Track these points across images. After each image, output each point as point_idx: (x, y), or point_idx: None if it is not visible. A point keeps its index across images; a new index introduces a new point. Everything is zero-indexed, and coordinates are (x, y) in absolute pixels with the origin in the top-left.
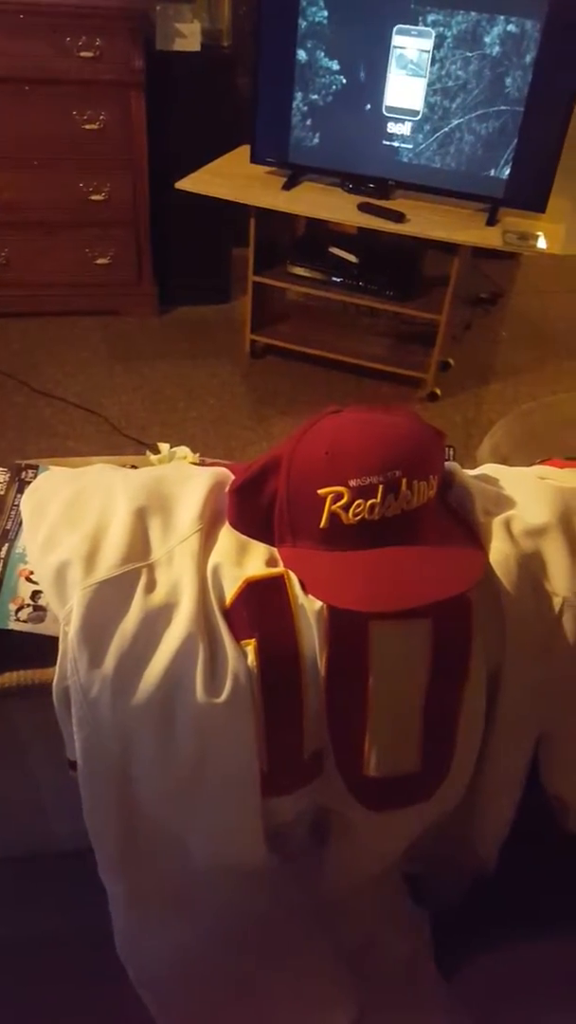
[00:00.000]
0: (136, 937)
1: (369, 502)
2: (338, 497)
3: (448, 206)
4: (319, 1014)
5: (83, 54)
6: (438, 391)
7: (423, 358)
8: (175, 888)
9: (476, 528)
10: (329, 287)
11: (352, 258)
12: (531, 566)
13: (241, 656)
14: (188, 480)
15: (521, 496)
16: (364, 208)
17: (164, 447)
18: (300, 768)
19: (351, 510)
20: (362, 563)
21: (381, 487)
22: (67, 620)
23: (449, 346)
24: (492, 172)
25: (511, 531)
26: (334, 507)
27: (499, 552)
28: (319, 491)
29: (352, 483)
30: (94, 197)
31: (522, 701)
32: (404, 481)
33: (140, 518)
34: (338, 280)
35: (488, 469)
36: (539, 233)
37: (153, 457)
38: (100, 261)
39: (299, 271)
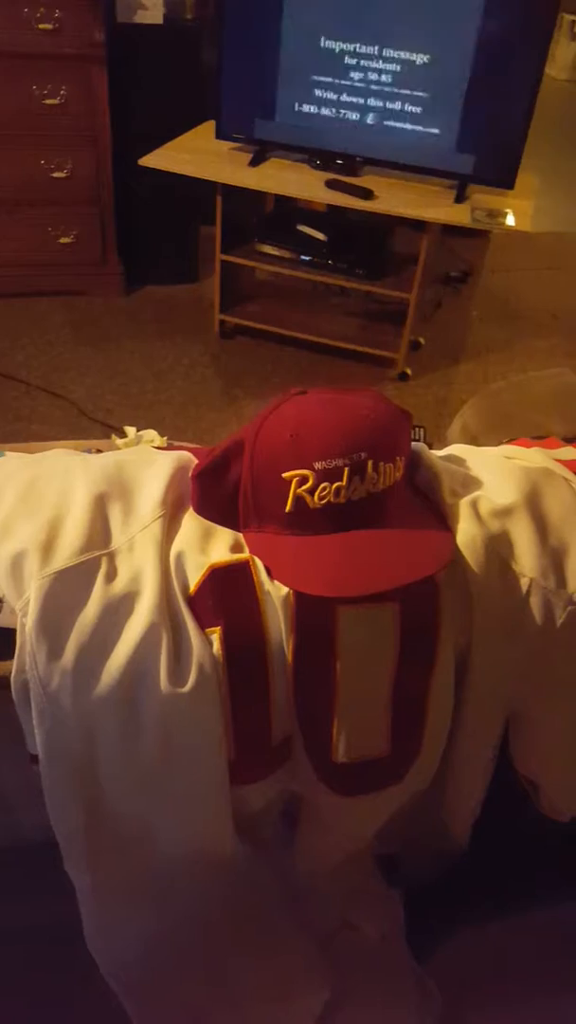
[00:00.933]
0: (105, 929)
1: (335, 485)
2: (303, 480)
3: (417, 183)
4: (292, 999)
5: (42, 26)
6: (408, 371)
7: (394, 337)
8: (143, 879)
9: (443, 510)
10: (298, 266)
11: (320, 236)
12: (498, 547)
13: (206, 645)
14: (150, 465)
15: (488, 476)
16: (332, 185)
17: (131, 431)
18: (268, 756)
19: (316, 494)
20: (328, 547)
21: (347, 470)
22: (24, 611)
23: (419, 325)
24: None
25: (478, 512)
26: (299, 491)
27: (466, 533)
28: (284, 474)
29: (317, 466)
30: (56, 174)
31: (490, 682)
32: (370, 463)
33: (100, 505)
34: (307, 258)
35: (455, 449)
36: (508, 210)
37: (119, 441)
38: (63, 240)
39: (267, 249)
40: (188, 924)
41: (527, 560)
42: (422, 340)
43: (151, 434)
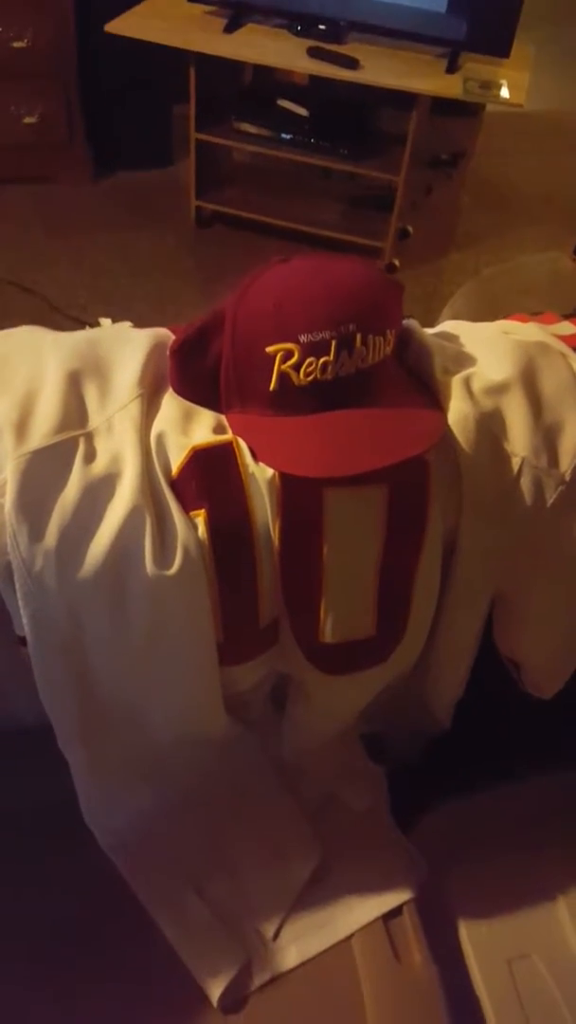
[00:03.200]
0: (100, 805)
1: (321, 360)
2: (288, 355)
3: (405, 52)
4: (283, 865)
5: None
6: (396, 262)
7: (380, 225)
8: (136, 756)
9: (435, 387)
10: (278, 145)
11: (302, 111)
12: (491, 426)
13: (191, 528)
14: (125, 342)
15: (482, 352)
16: (314, 53)
17: (106, 322)
18: (256, 638)
19: (302, 370)
20: (315, 427)
21: (334, 343)
22: (1, 492)
23: (408, 212)
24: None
25: (471, 389)
26: (284, 367)
27: (458, 412)
28: (267, 349)
29: (302, 339)
30: (16, 44)
31: (477, 563)
32: (358, 336)
33: (74, 383)
34: (288, 137)
35: (448, 326)
36: (502, 81)
37: None
38: (27, 120)
39: (246, 127)
40: (182, 798)
41: (519, 439)
42: (410, 228)
43: (126, 326)
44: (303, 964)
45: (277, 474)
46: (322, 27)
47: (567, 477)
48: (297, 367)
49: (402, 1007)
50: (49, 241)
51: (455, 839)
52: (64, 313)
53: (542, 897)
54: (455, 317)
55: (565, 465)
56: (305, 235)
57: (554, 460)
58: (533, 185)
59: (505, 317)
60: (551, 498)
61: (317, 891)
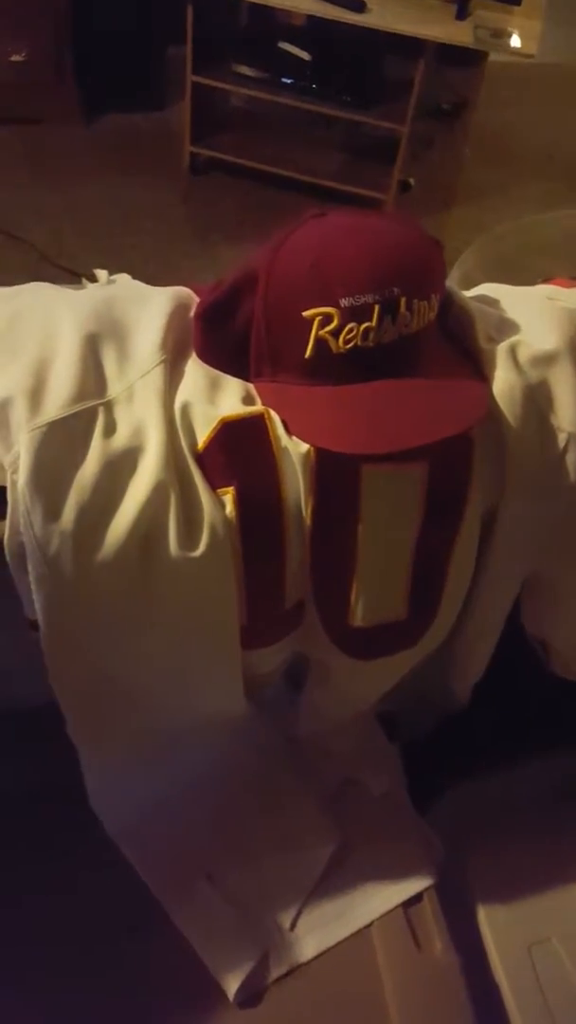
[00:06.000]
0: (109, 791)
1: (363, 326)
2: (327, 320)
3: None
4: (299, 852)
5: None
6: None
7: (382, 176)
8: (149, 742)
9: (478, 356)
10: (278, 90)
11: (304, 55)
12: (537, 398)
13: (218, 506)
14: (145, 302)
15: (526, 319)
16: None
17: (102, 275)
18: (281, 620)
19: (342, 336)
20: (353, 398)
21: (377, 307)
22: (14, 467)
23: (410, 164)
24: None
25: (517, 359)
26: (322, 332)
27: (504, 382)
28: (304, 313)
29: (343, 303)
30: None
31: (515, 542)
32: (403, 300)
33: (91, 347)
34: (288, 81)
35: (486, 289)
36: (513, 30)
37: (91, 287)
38: (15, 58)
39: (244, 70)
40: (194, 783)
41: (567, 413)
42: (412, 181)
43: (125, 279)
44: (321, 955)
45: (312, 449)
46: None
47: None
48: (336, 333)
49: (424, 997)
50: (37, 186)
51: (472, 821)
52: (54, 262)
53: (561, 880)
54: (465, 276)
55: None
56: (304, 184)
57: None
58: (537, 139)
59: (545, 279)
60: None
61: (335, 879)
